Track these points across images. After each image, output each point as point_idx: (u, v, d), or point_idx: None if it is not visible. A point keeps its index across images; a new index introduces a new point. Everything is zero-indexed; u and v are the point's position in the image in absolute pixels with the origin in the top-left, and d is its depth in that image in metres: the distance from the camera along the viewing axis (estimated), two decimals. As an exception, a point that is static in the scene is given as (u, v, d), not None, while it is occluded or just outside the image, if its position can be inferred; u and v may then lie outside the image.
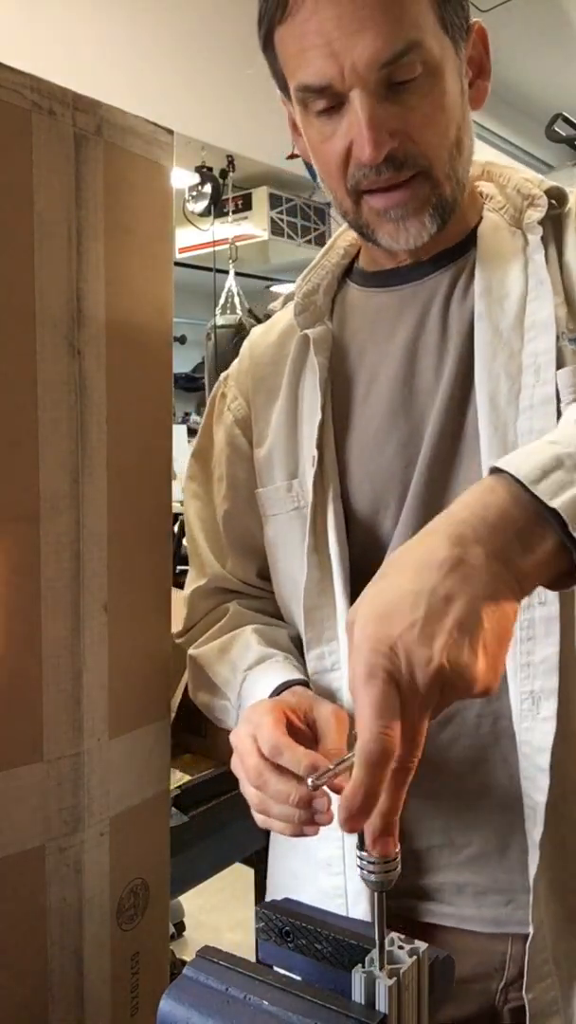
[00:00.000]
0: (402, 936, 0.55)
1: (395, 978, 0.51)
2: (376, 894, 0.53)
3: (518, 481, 0.53)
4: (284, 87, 0.80)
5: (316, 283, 0.92)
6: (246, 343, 0.99)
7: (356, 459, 0.84)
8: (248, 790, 0.69)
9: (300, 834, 0.66)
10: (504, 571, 0.52)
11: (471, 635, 0.50)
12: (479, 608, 0.50)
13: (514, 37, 3.83)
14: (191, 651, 0.95)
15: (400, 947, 0.54)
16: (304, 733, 0.73)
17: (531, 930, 0.73)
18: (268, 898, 0.91)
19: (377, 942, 0.53)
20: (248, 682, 0.84)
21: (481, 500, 0.54)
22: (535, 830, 0.73)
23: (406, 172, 0.76)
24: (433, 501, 0.80)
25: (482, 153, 0.86)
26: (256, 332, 0.99)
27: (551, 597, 0.73)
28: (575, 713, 0.74)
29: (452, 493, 0.79)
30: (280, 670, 0.83)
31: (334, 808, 0.64)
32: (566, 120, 4.13)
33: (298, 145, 0.85)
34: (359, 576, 0.83)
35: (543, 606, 0.73)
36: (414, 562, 0.53)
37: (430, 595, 0.50)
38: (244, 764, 0.69)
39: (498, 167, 0.89)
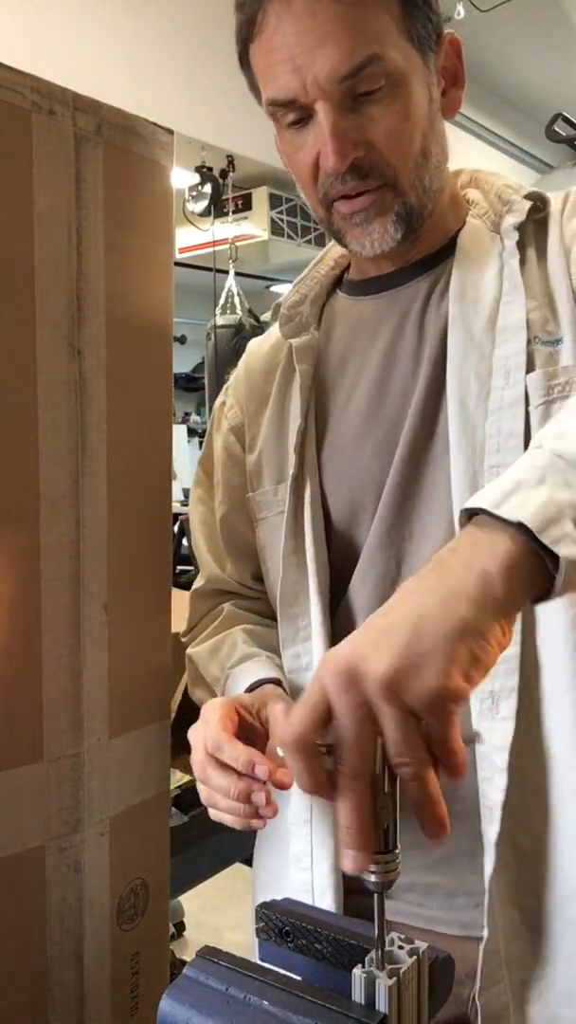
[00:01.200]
0: (402, 936, 0.55)
1: (395, 978, 0.51)
2: (376, 894, 0.53)
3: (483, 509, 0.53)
4: (261, 102, 0.82)
5: (303, 294, 0.94)
6: (244, 354, 1.02)
7: (335, 463, 0.86)
8: (198, 785, 0.72)
9: (248, 827, 0.69)
10: (486, 596, 0.50)
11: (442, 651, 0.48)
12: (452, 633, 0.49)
13: (514, 37, 3.83)
14: (188, 650, 0.98)
15: (400, 947, 0.54)
16: (256, 730, 0.75)
17: (485, 932, 0.73)
18: (253, 897, 0.93)
19: (377, 942, 0.53)
20: (230, 680, 0.87)
21: (458, 542, 0.54)
22: (491, 830, 0.73)
23: (371, 182, 0.78)
24: (405, 502, 0.81)
25: (467, 147, 0.87)
26: (253, 343, 1.02)
27: None
28: (536, 714, 0.74)
29: (421, 494, 0.81)
30: (259, 668, 0.85)
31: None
32: (566, 120, 4.13)
33: (280, 157, 0.87)
34: (337, 578, 0.85)
35: None
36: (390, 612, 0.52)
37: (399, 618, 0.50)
38: (192, 759, 0.72)
39: (485, 174, 0.91)
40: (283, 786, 0.67)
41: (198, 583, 1.02)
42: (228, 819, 0.70)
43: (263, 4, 0.74)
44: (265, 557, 0.92)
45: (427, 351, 0.82)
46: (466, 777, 0.55)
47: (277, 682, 0.84)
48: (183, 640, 1.01)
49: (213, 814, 0.71)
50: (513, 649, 0.73)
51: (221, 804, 0.70)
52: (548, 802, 0.75)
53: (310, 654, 0.85)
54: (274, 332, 0.97)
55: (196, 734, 0.73)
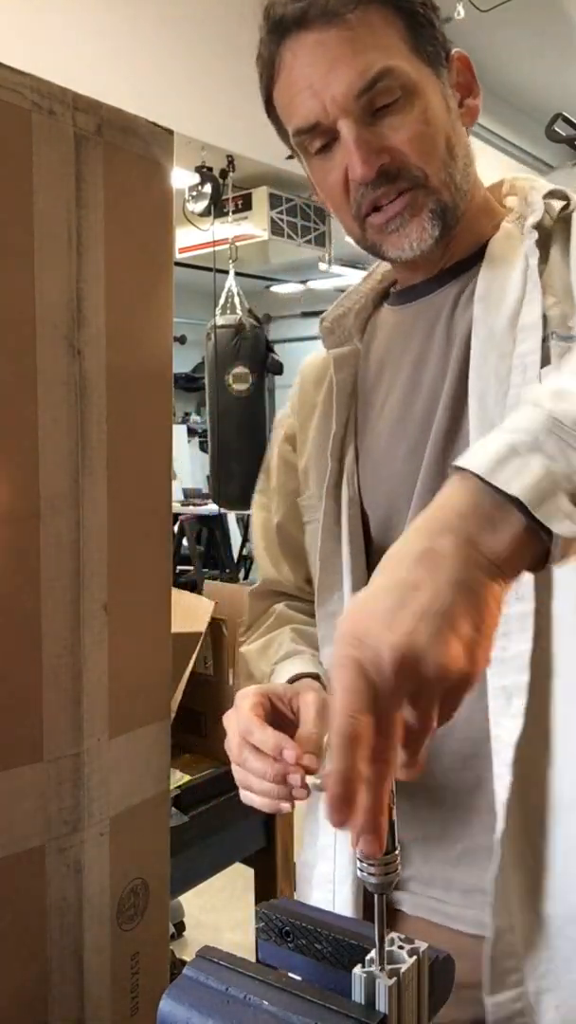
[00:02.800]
0: (402, 936, 0.55)
1: (395, 978, 0.51)
2: (376, 895, 0.53)
3: (477, 475, 0.53)
4: (291, 144, 0.85)
5: (348, 307, 0.97)
6: (302, 365, 1.05)
7: (372, 468, 0.88)
8: (233, 768, 0.75)
9: (277, 809, 0.72)
10: (477, 555, 0.51)
11: (438, 621, 0.49)
12: (447, 593, 0.50)
13: (514, 37, 3.83)
14: (241, 648, 1.03)
15: (400, 947, 0.54)
16: (288, 719, 0.77)
17: (490, 931, 0.74)
18: (297, 883, 0.97)
19: (377, 942, 0.53)
20: (274, 675, 0.91)
21: (450, 496, 0.54)
22: (499, 828, 0.73)
23: (401, 183, 0.79)
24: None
25: (483, 155, 0.88)
26: (310, 356, 1.05)
27: (527, 593, 0.74)
28: (550, 711, 0.75)
29: None
30: (301, 664, 0.89)
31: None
32: (566, 120, 4.13)
33: (319, 202, 0.90)
34: None
35: (519, 602, 0.73)
36: (390, 560, 0.53)
37: (398, 586, 0.51)
38: (228, 743, 0.75)
39: (520, 180, 0.92)
40: (310, 771, 0.69)
41: (255, 585, 1.07)
42: (258, 801, 0.72)
43: (278, 48, 0.79)
44: (312, 560, 0.95)
45: (454, 354, 0.83)
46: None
47: (315, 677, 0.86)
48: (240, 639, 1.06)
49: (244, 796, 0.74)
50: (524, 646, 0.73)
51: (256, 786, 0.72)
52: (560, 802, 0.75)
53: None
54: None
55: (230, 720, 0.76)
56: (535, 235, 0.82)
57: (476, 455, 0.54)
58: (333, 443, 0.89)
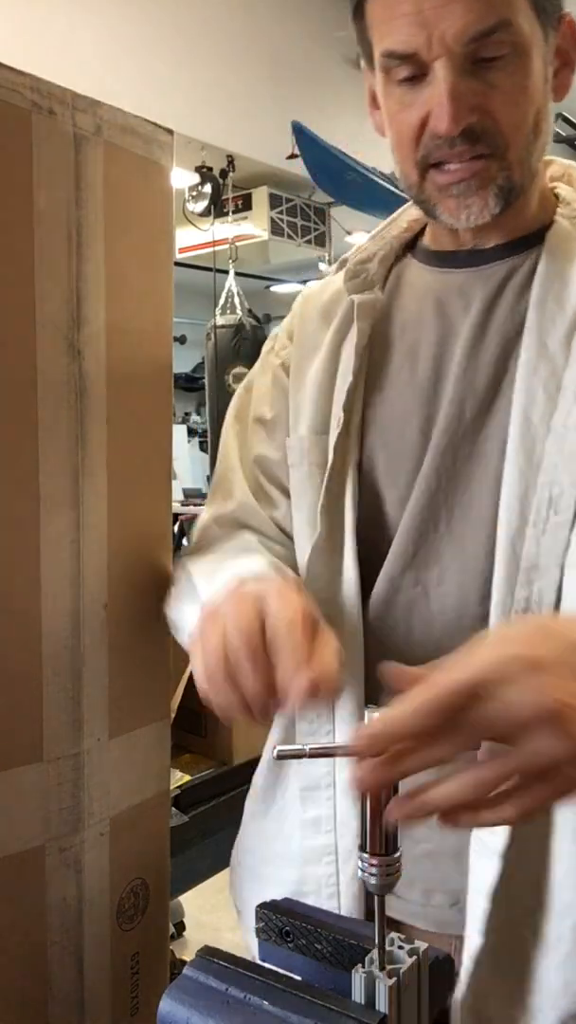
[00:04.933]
0: (402, 936, 0.55)
1: (395, 978, 0.51)
2: (376, 896, 0.53)
3: None
4: (369, 56, 0.80)
5: (372, 252, 0.91)
6: (300, 296, 0.99)
7: (380, 429, 0.84)
8: (213, 665, 0.63)
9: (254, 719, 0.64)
10: None
11: None
12: None
13: (514, 37, 3.82)
14: (185, 558, 0.90)
15: (400, 947, 0.54)
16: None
17: (473, 944, 0.73)
18: (232, 861, 0.92)
19: (377, 942, 0.53)
20: (229, 568, 0.81)
21: None
22: (494, 840, 0.72)
23: (480, 148, 0.75)
24: (439, 490, 0.79)
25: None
26: (311, 287, 0.99)
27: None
28: None
29: (461, 489, 0.79)
30: (270, 559, 0.82)
31: None
32: (566, 120, 4.13)
33: (373, 119, 0.84)
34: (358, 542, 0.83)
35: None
36: (562, 636, 0.54)
37: None
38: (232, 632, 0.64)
39: None
40: (320, 687, 0.61)
41: (223, 507, 0.92)
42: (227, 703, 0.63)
43: None
44: (299, 505, 0.88)
45: (492, 344, 0.80)
46: None
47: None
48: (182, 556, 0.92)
49: (215, 697, 0.64)
50: None
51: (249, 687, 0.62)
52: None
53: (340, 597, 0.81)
54: (331, 284, 0.95)
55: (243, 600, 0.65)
56: None
57: None
58: (347, 397, 0.84)
